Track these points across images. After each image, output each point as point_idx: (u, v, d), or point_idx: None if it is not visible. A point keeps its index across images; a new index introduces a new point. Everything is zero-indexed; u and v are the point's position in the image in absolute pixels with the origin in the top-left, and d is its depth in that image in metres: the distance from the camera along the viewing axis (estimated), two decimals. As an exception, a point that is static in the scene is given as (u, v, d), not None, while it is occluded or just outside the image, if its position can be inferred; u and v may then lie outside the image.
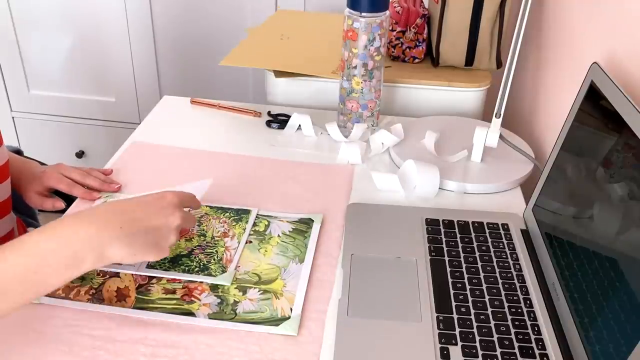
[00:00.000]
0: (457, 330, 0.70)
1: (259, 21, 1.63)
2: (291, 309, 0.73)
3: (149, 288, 0.75)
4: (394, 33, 1.24)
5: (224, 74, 2.00)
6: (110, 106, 2.12)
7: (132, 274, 0.76)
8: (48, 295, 0.73)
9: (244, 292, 0.75)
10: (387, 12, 1.02)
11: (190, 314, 0.72)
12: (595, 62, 0.75)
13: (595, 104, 0.74)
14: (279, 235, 0.85)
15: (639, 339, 0.55)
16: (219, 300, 0.74)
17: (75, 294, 0.74)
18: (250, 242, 0.84)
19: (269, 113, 1.18)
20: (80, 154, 2.20)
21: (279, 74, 1.21)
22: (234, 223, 0.87)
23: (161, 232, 0.68)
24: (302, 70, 1.19)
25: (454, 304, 0.74)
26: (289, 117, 1.14)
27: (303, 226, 0.87)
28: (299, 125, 1.13)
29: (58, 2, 1.96)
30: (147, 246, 0.67)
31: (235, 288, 0.76)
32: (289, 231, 0.86)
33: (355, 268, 0.79)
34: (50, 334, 0.69)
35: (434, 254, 0.82)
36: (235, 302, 0.74)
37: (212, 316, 0.72)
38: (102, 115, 2.14)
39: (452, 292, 0.76)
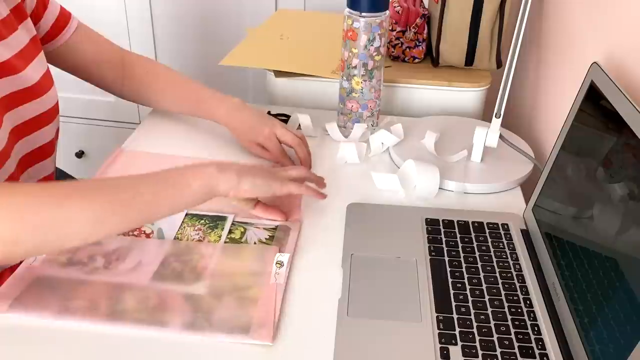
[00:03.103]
0: (457, 330, 0.70)
1: (259, 21, 1.63)
2: (267, 316, 0.71)
3: (122, 297, 0.73)
4: (394, 33, 1.24)
5: (224, 74, 2.00)
6: (110, 106, 2.12)
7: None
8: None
9: (220, 300, 0.73)
10: (387, 12, 1.02)
11: (163, 324, 0.70)
12: (595, 62, 0.75)
13: (595, 104, 0.74)
14: (255, 243, 0.83)
15: (639, 339, 0.55)
16: (193, 309, 0.72)
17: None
18: (226, 249, 0.82)
19: (269, 113, 1.18)
20: (80, 154, 2.20)
21: (279, 74, 1.21)
22: (209, 230, 0.85)
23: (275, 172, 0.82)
24: (302, 70, 1.19)
25: (454, 304, 0.74)
26: (289, 117, 1.14)
27: (280, 233, 0.85)
28: (299, 125, 1.13)
29: (58, 2, 1.96)
30: (263, 176, 0.79)
31: (210, 296, 0.74)
32: (266, 239, 0.84)
33: (355, 268, 0.79)
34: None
35: (434, 254, 0.82)
36: (211, 311, 0.71)
37: (187, 326, 0.69)
38: (102, 115, 2.14)
39: (452, 292, 0.76)
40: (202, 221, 0.87)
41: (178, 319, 0.70)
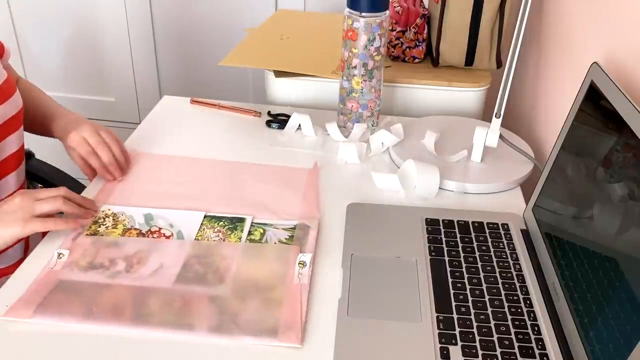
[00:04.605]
0: (457, 330, 0.70)
1: (259, 21, 1.63)
2: (294, 317, 0.71)
3: (146, 301, 0.73)
4: (394, 33, 1.24)
5: (224, 74, 2.00)
6: (110, 106, 2.12)
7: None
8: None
9: (244, 302, 0.73)
10: (387, 12, 1.02)
11: (189, 326, 0.70)
12: (595, 62, 0.75)
13: (595, 104, 0.74)
14: (275, 243, 0.84)
15: (639, 339, 0.55)
16: (219, 312, 0.72)
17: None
18: (247, 250, 0.82)
19: (269, 113, 1.18)
20: (80, 154, 2.20)
21: (279, 74, 1.21)
22: (229, 232, 0.85)
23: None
24: (302, 70, 1.19)
25: (454, 304, 0.74)
26: (289, 117, 1.14)
27: (300, 232, 0.86)
28: (299, 125, 1.13)
29: (58, 2, 1.96)
30: (7, 223, 0.77)
31: (234, 298, 0.74)
32: (285, 239, 0.85)
33: (355, 268, 0.79)
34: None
35: (434, 254, 0.82)
36: (237, 313, 0.72)
37: (214, 329, 0.70)
38: (102, 115, 2.14)
39: (452, 292, 0.76)
40: (221, 223, 0.87)
41: (204, 321, 0.70)
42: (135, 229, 0.85)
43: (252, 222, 0.87)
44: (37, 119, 1.05)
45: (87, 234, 0.84)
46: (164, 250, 0.81)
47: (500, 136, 0.99)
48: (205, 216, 0.88)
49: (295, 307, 0.73)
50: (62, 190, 0.83)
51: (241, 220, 0.88)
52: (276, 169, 1.01)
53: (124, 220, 0.87)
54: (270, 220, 0.88)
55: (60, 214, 0.84)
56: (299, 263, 0.80)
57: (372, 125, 1.12)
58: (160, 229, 0.86)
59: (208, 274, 0.77)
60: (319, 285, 0.77)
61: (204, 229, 0.86)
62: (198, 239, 0.84)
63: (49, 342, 0.68)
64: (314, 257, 0.82)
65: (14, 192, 0.97)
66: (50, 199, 0.81)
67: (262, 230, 0.86)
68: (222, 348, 0.68)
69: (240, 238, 0.84)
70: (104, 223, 0.86)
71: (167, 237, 0.84)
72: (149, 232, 0.85)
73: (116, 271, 0.77)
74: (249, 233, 0.85)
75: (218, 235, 0.84)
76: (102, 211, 0.89)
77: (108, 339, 0.69)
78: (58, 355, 0.66)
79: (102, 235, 0.84)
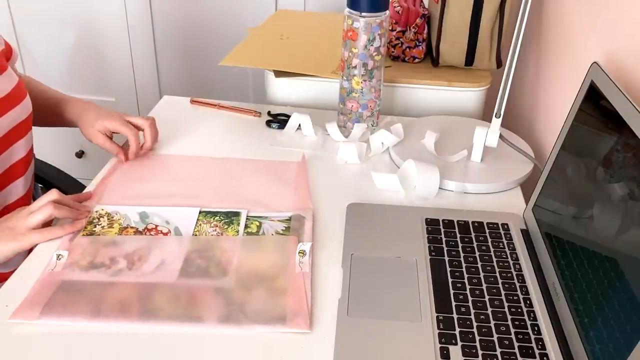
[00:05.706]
0: (457, 330, 0.70)
1: (259, 21, 1.63)
2: (300, 304, 0.72)
3: (152, 297, 0.74)
4: (394, 33, 1.24)
5: (224, 74, 2.00)
6: (110, 106, 2.11)
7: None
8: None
9: (250, 292, 0.74)
10: (387, 12, 1.02)
11: (198, 319, 0.71)
12: (595, 62, 0.75)
13: (595, 104, 0.74)
14: (272, 235, 0.85)
15: (639, 339, 0.55)
16: (226, 303, 0.73)
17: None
18: (246, 242, 0.83)
19: (269, 113, 1.18)
20: (80, 154, 2.20)
21: (279, 74, 1.21)
22: (226, 226, 0.86)
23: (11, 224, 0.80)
24: (302, 70, 1.19)
25: (454, 303, 0.74)
26: (289, 117, 1.14)
27: (296, 223, 0.87)
28: (299, 125, 1.13)
29: (58, 2, 1.96)
30: (3, 240, 0.78)
31: (239, 289, 0.75)
32: (282, 230, 0.86)
33: (355, 268, 0.79)
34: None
35: (434, 254, 0.82)
36: (244, 303, 0.73)
37: (223, 319, 0.70)
38: (102, 115, 2.13)
39: (452, 292, 0.76)
40: (217, 217, 0.88)
41: (213, 313, 0.71)
42: (132, 227, 0.85)
43: (247, 216, 0.88)
44: (49, 109, 1.06)
45: (83, 234, 0.84)
46: (163, 247, 0.81)
47: (500, 136, 0.99)
48: (200, 212, 0.89)
49: (300, 295, 0.74)
50: (52, 195, 0.83)
51: (236, 214, 0.88)
52: (265, 163, 1.02)
53: (119, 219, 0.87)
54: (265, 213, 0.89)
55: None
56: (299, 252, 0.81)
57: (372, 125, 1.12)
58: (156, 226, 0.86)
59: (210, 268, 0.78)
60: (319, 285, 0.77)
61: (200, 225, 0.86)
62: (196, 234, 0.84)
63: (56, 343, 0.68)
64: (315, 251, 0.82)
65: (22, 196, 0.98)
66: (41, 207, 0.81)
67: (258, 223, 0.87)
68: (230, 338, 0.69)
69: (237, 231, 0.85)
70: (99, 223, 0.86)
71: (165, 234, 0.84)
72: (145, 230, 0.85)
73: (118, 269, 0.77)
74: (246, 226, 0.86)
75: (215, 230, 0.85)
76: (96, 211, 0.88)
77: (117, 336, 0.69)
78: (67, 355, 0.66)
79: (99, 234, 0.84)
